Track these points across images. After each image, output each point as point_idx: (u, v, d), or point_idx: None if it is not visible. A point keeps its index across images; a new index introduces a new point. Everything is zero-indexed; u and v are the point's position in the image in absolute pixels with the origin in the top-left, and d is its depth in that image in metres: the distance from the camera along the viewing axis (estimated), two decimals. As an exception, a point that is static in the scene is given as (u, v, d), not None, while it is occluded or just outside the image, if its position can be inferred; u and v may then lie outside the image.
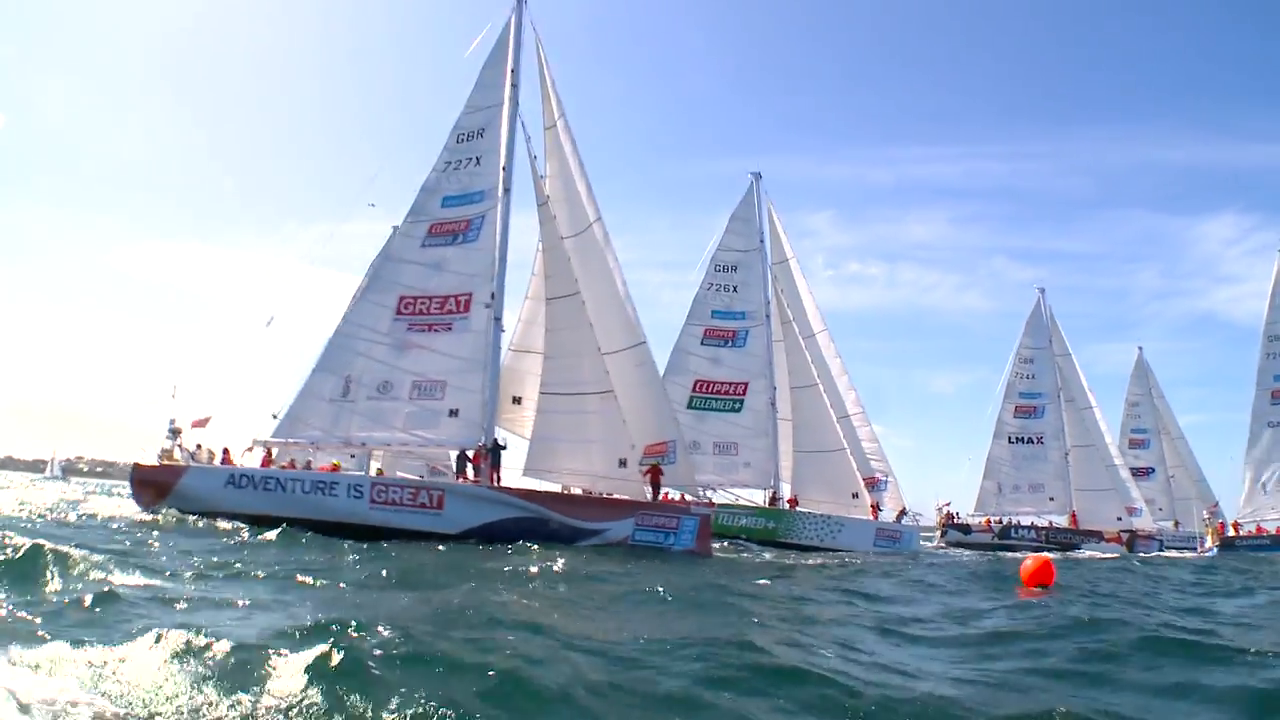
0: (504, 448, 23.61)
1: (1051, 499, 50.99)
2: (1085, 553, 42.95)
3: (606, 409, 23.73)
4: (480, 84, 27.11)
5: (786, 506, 34.10)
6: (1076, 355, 53.64)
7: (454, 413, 23.99)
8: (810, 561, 23.61)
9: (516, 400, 26.39)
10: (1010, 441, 52.46)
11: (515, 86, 26.55)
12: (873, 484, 36.19)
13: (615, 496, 22.86)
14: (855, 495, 34.58)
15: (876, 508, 34.95)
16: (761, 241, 38.96)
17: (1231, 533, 42.81)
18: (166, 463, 23.72)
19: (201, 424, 24.05)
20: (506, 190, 25.68)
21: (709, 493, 29.91)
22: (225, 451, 24.49)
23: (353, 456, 26.60)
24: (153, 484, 23.37)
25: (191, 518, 21.35)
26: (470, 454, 23.35)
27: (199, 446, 24.33)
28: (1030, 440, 52.40)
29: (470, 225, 25.73)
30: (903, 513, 36.02)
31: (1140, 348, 66.03)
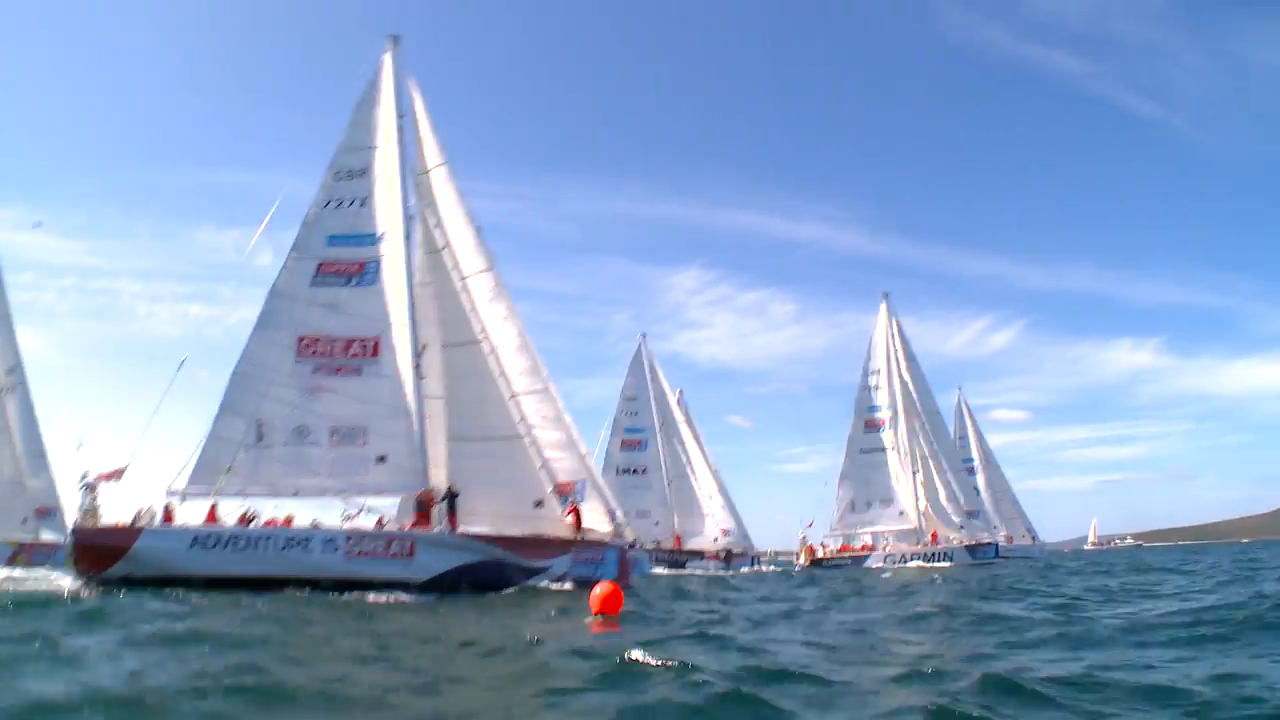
0: (458, 494, 23.67)
1: (657, 524, 58.21)
2: (691, 570, 50.82)
3: (516, 452, 24.93)
4: (356, 123, 26.53)
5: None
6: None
7: (382, 459, 23.50)
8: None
9: (407, 447, 26.04)
10: (618, 473, 58.86)
11: (402, 130, 26.50)
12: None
13: (550, 535, 24.19)
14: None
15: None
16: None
17: (821, 553, 52.61)
18: (97, 523, 19.81)
19: (114, 476, 20.36)
20: (409, 237, 25.64)
21: None
22: (166, 509, 20.91)
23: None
24: (100, 549, 19.38)
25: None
26: (422, 500, 23.09)
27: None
28: (636, 471, 59.37)
29: (365, 268, 25.21)
30: (633, 544, 40.17)
31: (680, 390, 77.58)
